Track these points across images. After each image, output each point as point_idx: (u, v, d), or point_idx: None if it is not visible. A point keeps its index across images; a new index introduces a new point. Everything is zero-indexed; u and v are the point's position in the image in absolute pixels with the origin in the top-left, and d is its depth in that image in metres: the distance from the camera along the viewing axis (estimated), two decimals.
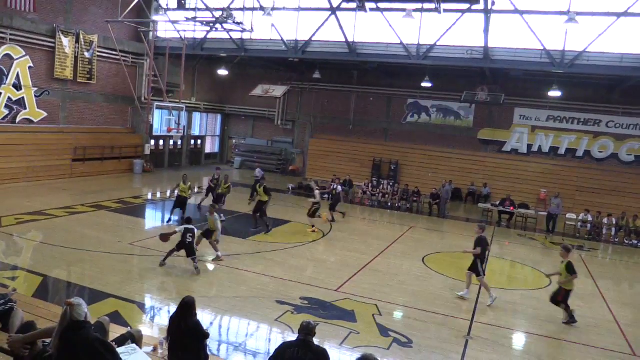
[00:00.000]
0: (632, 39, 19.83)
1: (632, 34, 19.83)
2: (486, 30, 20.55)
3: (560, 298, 10.58)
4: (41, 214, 15.85)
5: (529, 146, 27.21)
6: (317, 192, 17.69)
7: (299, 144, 32.77)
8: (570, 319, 10.48)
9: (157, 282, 10.96)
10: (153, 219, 18.35)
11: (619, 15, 19.32)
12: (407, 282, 12.58)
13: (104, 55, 25.05)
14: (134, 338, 5.65)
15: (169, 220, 16.56)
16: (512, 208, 21.92)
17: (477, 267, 11.40)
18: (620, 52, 19.92)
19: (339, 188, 20.57)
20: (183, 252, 11.74)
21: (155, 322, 8.98)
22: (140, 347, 5.67)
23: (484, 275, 11.48)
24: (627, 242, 20.28)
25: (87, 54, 23.85)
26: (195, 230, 11.98)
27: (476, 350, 8.89)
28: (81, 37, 23.34)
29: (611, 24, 19.31)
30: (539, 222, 21.53)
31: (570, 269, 10.53)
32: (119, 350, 5.01)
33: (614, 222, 20.85)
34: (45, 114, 22.70)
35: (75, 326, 4.28)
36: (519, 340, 9.97)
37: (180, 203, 16.80)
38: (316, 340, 8.34)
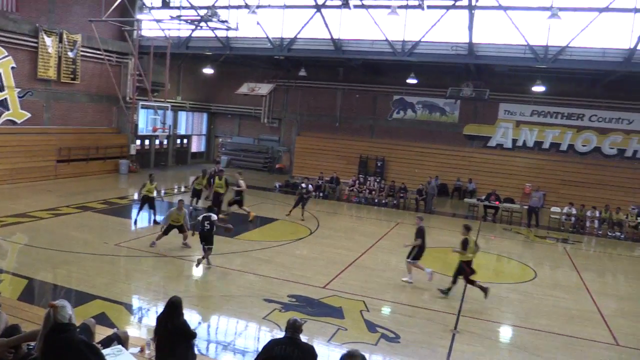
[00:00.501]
0: (614, 33, 20.06)
1: (613, 28, 20.06)
2: (470, 27, 20.70)
3: (466, 275, 11.22)
4: (25, 216, 15.70)
5: (514, 141, 27.46)
6: (241, 182, 17.86)
7: (285, 142, 32.76)
8: (484, 291, 11.06)
9: (144, 282, 10.92)
10: (139, 220, 18.23)
11: (600, 10, 19.55)
12: (394, 277, 12.66)
13: (88, 54, 24.81)
14: (120, 339, 5.63)
15: (135, 221, 16.19)
16: (497, 202, 22.14)
17: (414, 253, 12.24)
18: (603, 47, 20.16)
19: (310, 187, 20.20)
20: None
21: (142, 322, 8.97)
22: (127, 348, 5.66)
23: (419, 260, 12.26)
24: (610, 234, 20.57)
25: (70, 54, 23.62)
26: (213, 217, 12.10)
27: (463, 344, 8.99)
28: (64, 36, 23.10)
29: (593, 19, 19.54)
30: (524, 216, 21.75)
31: (463, 246, 11.24)
32: (105, 351, 5.00)
33: (598, 215, 21.13)
34: (29, 115, 22.45)
35: (59, 328, 4.26)
36: (505, 332, 10.11)
37: (147, 202, 16.29)
38: (304, 338, 8.40)
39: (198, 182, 18.67)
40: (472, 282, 11.25)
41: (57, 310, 4.29)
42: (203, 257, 11.87)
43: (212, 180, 18.51)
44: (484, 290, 11.05)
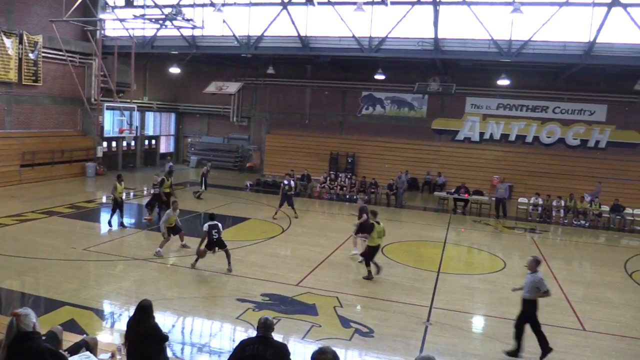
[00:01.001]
0: (574, 27, 20.55)
1: (573, 22, 20.56)
2: (435, 22, 20.92)
3: (365, 255, 12.25)
4: None
5: (481, 134, 27.91)
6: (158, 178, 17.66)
7: (255, 140, 32.60)
8: (371, 274, 12.07)
9: (114, 287, 10.73)
10: (108, 223, 17.92)
11: (560, 4, 20.00)
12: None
13: (50, 55, 24.19)
14: (89, 345, 5.53)
15: (110, 223, 15.90)
16: (466, 195, 22.49)
17: (361, 228, 13.56)
18: (563, 41, 20.64)
19: (292, 183, 20.02)
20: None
21: (114, 328, 8.82)
22: (96, 355, 5.56)
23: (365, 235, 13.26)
24: (575, 222, 21.12)
25: (31, 55, 23.00)
26: (220, 225, 12.09)
27: (436, 336, 9.12)
28: (24, 37, 22.47)
29: (554, 13, 19.98)
30: (493, 207, 22.13)
31: (369, 229, 12.34)
32: (72, 359, 4.91)
33: (563, 204, 21.65)
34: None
35: (23, 337, 4.15)
36: (476, 322, 10.29)
37: (118, 205, 15.85)
38: (279, 336, 8.41)
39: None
40: (368, 264, 12.15)
41: (20, 319, 4.19)
42: (229, 264, 12.03)
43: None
44: (378, 267, 12.15)
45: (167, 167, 22.16)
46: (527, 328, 8.54)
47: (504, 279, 12.94)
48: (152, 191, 18.01)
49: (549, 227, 20.59)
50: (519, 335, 8.55)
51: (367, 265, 12.13)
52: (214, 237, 11.88)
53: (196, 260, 12.16)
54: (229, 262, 12.03)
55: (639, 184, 24.44)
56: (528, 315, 8.53)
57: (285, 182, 19.15)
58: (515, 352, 8.53)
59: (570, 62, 21.27)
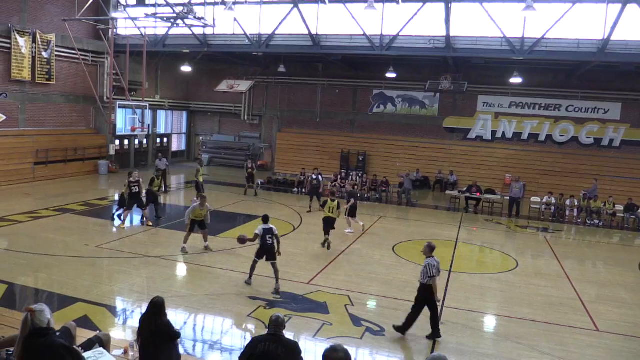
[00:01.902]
0: (588, 24, 20.34)
1: (587, 19, 20.34)
2: (447, 20, 20.79)
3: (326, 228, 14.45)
4: (3, 220, 15.43)
5: (493, 132, 27.73)
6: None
7: (266, 139, 32.64)
8: (325, 243, 14.31)
9: (127, 284, 10.81)
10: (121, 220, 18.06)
11: (574, 1, 19.79)
12: (378, 271, 12.73)
13: (63, 54, 24.40)
14: (102, 342, 5.57)
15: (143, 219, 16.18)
16: (478, 194, 22.36)
17: (348, 211, 16.38)
18: (577, 38, 20.44)
19: (320, 178, 20.68)
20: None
21: (126, 324, 8.89)
22: (109, 351, 5.61)
23: (355, 217, 16.66)
24: (589, 222, 20.93)
25: (44, 54, 23.21)
26: (274, 229, 10.95)
27: (447, 335, 9.07)
28: (38, 36, 22.68)
29: (567, 10, 19.79)
30: (505, 206, 22.00)
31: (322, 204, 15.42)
32: (86, 354, 4.94)
33: (576, 204, 21.46)
34: (4, 117, 22.02)
35: (38, 333, 4.19)
36: (488, 322, 10.23)
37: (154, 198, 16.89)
38: (290, 334, 8.44)
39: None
40: (325, 233, 14.45)
41: (35, 315, 4.23)
42: (277, 279, 10.73)
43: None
44: (328, 244, 14.26)
45: (160, 165, 22.19)
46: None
47: (516, 279, 12.86)
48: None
49: (562, 227, 20.42)
50: (412, 317, 8.84)
51: (325, 234, 14.41)
52: (268, 242, 10.76)
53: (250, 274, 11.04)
54: (277, 279, 10.70)
55: None
56: (427, 300, 8.75)
57: (314, 176, 20.28)
58: (401, 329, 8.85)
59: (584, 59, 21.03)
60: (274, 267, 10.77)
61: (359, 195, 18.75)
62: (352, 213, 16.53)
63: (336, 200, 14.76)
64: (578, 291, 12.00)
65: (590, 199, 21.45)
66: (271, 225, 10.96)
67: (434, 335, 8.79)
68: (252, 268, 10.97)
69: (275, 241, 10.90)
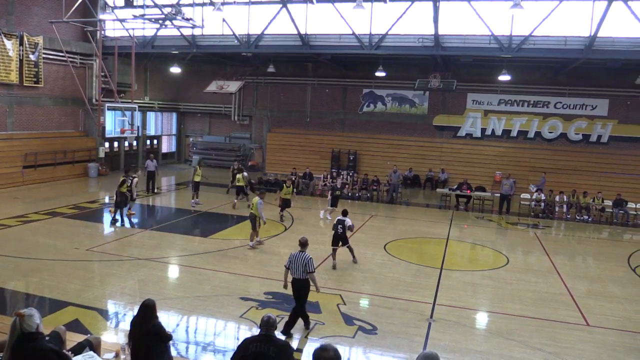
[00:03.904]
0: (575, 22, 20.51)
1: (574, 17, 20.51)
2: (435, 18, 20.86)
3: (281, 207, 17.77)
4: None
5: (483, 130, 27.86)
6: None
7: (257, 139, 32.59)
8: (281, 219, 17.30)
9: (117, 287, 10.75)
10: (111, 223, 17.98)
11: None
12: (370, 270, 12.76)
13: (51, 57, 24.20)
14: (92, 345, 5.54)
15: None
16: (469, 191, 22.46)
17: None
18: (564, 35, 20.60)
19: (338, 184, 21.83)
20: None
21: (118, 327, 8.84)
22: (99, 354, 5.57)
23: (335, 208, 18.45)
24: (578, 217, 21.09)
25: (32, 57, 23.02)
26: (347, 221, 13.00)
27: (439, 332, 9.12)
28: (25, 39, 22.49)
29: (554, 8, 19.92)
30: (496, 203, 22.12)
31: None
32: (75, 358, 4.92)
33: (565, 200, 21.62)
34: None
35: (26, 338, 4.16)
36: (480, 319, 10.27)
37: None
38: (282, 334, 8.44)
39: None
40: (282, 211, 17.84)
41: (24, 319, 4.19)
42: (353, 256, 13.17)
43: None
44: (281, 217, 17.79)
45: (150, 167, 22.15)
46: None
47: (507, 275, 12.94)
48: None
49: (552, 223, 20.57)
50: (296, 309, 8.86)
51: (280, 211, 17.96)
52: (339, 231, 12.87)
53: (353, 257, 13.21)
54: (353, 256, 13.16)
55: None
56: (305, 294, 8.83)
57: (338, 185, 22.23)
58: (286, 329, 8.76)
59: (572, 57, 21.21)
60: (351, 251, 13.20)
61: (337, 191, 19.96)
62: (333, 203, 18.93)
63: (290, 187, 18.42)
64: (568, 286, 12.09)
65: (539, 190, 22.16)
66: (345, 218, 13.12)
67: (287, 330, 8.67)
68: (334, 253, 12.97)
69: (345, 231, 12.94)
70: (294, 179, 22.58)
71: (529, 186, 23.35)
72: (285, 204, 18.07)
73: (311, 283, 8.84)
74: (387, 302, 10.49)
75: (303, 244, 9.26)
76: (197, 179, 20.23)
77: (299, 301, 8.79)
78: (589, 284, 12.64)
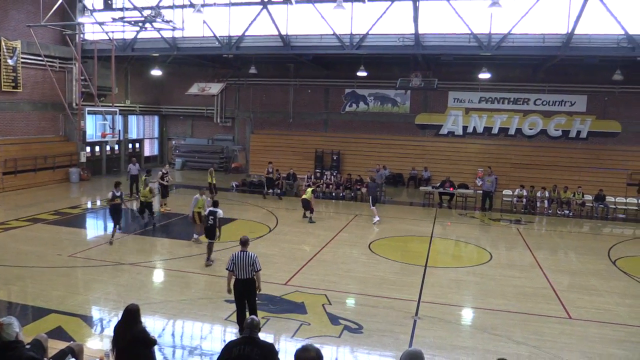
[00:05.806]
0: (552, 19, 20.78)
1: (551, 14, 20.78)
2: (415, 18, 20.99)
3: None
4: None
5: (464, 128, 28.10)
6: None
7: (240, 141, 32.51)
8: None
9: (101, 292, 10.66)
10: (94, 228, 17.78)
11: None
12: (355, 269, 12.80)
13: (29, 61, 23.88)
14: (74, 352, 5.48)
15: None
16: (452, 189, 22.64)
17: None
18: (542, 33, 20.87)
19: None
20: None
21: (103, 333, 8.76)
22: None
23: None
24: (559, 212, 21.40)
25: (10, 61, 22.69)
26: (219, 212, 12.75)
27: (424, 329, 9.19)
28: (2, 43, 22.16)
29: (532, 6, 20.15)
30: (478, 200, 22.32)
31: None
32: None
33: (547, 195, 21.91)
34: None
35: (5, 347, 4.11)
36: (464, 315, 10.38)
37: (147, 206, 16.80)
38: (268, 335, 8.45)
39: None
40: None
41: (3, 328, 4.14)
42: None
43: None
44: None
45: (133, 170, 22.01)
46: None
47: (491, 271, 13.08)
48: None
49: (534, 218, 20.81)
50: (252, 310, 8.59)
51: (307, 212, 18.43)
52: (209, 223, 12.65)
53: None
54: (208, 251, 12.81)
55: (620, 173, 24.76)
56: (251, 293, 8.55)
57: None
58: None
59: (550, 54, 21.49)
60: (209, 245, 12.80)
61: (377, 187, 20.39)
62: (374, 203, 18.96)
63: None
64: (550, 280, 12.26)
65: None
66: (217, 209, 12.79)
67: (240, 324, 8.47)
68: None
69: (214, 222, 12.59)
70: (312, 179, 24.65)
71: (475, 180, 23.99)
72: (306, 205, 18.40)
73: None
74: (372, 301, 10.54)
75: (244, 242, 8.89)
76: (214, 180, 21.55)
77: (250, 301, 8.51)
78: (571, 277, 12.82)
